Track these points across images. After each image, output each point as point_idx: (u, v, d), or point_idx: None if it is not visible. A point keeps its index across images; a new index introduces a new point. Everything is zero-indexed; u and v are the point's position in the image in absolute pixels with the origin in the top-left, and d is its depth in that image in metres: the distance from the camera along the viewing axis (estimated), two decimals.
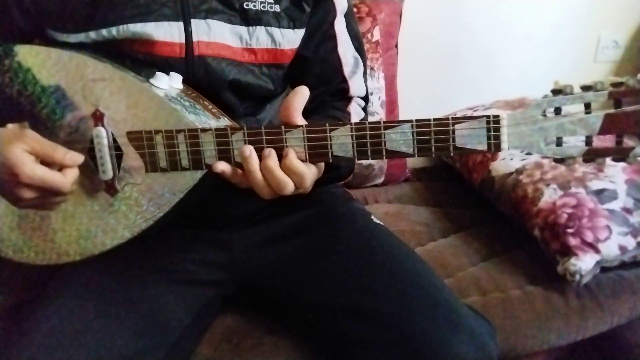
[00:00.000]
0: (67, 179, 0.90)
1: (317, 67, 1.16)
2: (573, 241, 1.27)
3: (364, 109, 1.23)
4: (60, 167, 0.90)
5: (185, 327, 1.04)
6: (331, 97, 1.19)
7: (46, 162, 0.89)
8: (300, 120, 0.87)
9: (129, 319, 0.98)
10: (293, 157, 0.86)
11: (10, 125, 0.93)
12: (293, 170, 0.86)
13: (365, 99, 1.24)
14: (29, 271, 1.18)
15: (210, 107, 0.98)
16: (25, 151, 0.87)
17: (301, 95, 0.88)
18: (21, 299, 1.19)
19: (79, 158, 0.92)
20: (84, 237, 0.99)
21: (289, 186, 0.87)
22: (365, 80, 1.23)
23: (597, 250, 1.26)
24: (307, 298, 1.06)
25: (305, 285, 1.07)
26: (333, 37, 1.16)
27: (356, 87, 1.20)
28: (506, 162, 1.54)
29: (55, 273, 1.04)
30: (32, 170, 0.86)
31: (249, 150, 0.86)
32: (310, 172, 0.88)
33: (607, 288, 1.31)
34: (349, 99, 1.20)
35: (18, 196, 0.89)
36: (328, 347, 1.07)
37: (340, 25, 1.16)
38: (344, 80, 1.19)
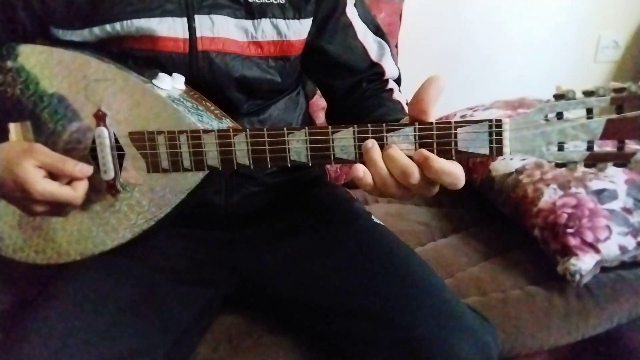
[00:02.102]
0: (77, 192, 0.91)
1: (341, 56, 1.15)
2: (573, 241, 1.27)
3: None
4: (70, 179, 0.91)
5: (185, 327, 1.04)
6: (368, 83, 1.18)
7: (55, 175, 0.90)
8: (433, 116, 0.81)
9: (129, 318, 0.97)
10: (436, 157, 0.78)
11: (14, 131, 0.95)
12: (444, 171, 0.78)
13: (398, 81, 1.23)
14: (30, 271, 1.18)
15: (212, 108, 0.98)
16: (35, 166, 0.88)
17: (436, 85, 0.78)
18: (21, 299, 1.19)
19: (88, 170, 0.93)
20: (85, 237, 0.99)
21: (415, 172, 0.78)
22: (395, 61, 1.22)
23: (597, 250, 1.26)
24: (307, 298, 1.07)
25: (305, 285, 1.07)
26: (350, 25, 1.16)
27: (390, 68, 1.19)
28: (506, 162, 1.54)
29: (55, 273, 1.04)
30: (43, 187, 0.88)
31: (371, 142, 0.81)
32: (460, 169, 0.80)
33: (607, 288, 1.31)
34: (385, 81, 1.19)
35: (31, 210, 0.92)
36: (328, 347, 1.07)
37: (353, 15, 1.16)
38: (375, 64, 1.18)
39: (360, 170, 0.81)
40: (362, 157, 0.82)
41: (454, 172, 0.79)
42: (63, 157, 0.91)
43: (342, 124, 0.83)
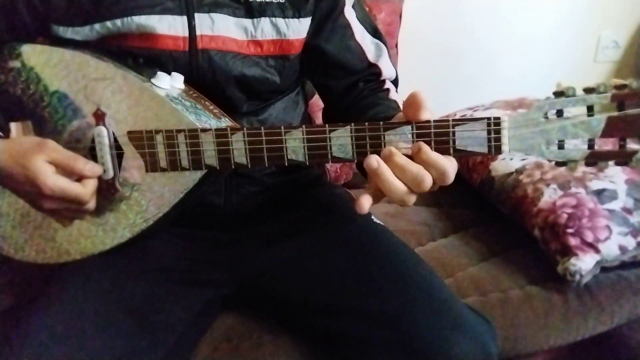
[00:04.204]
0: (86, 189, 0.91)
1: (338, 56, 1.15)
2: (573, 241, 1.26)
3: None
4: (79, 177, 0.91)
5: (185, 327, 1.04)
6: (365, 83, 1.17)
7: (65, 172, 0.90)
8: (429, 115, 0.80)
9: (129, 318, 0.98)
10: (429, 150, 0.78)
11: (15, 130, 0.96)
12: (432, 164, 0.78)
13: (395, 83, 1.22)
14: (30, 270, 1.18)
15: (211, 107, 0.98)
16: (46, 162, 0.88)
17: (419, 95, 0.79)
18: (21, 299, 1.19)
19: (98, 169, 0.93)
20: (85, 236, 0.99)
21: (426, 178, 0.78)
22: (392, 63, 1.22)
23: (597, 250, 1.26)
24: (307, 298, 1.07)
25: (305, 285, 1.07)
26: (348, 26, 1.15)
27: (387, 69, 1.19)
28: (506, 162, 1.54)
29: (55, 273, 1.04)
30: (53, 182, 0.88)
31: (376, 161, 0.79)
32: (452, 165, 0.80)
33: (607, 288, 1.31)
34: (382, 82, 1.18)
35: (40, 206, 0.92)
36: (328, 347, 1.07)
37: (351, 16, 1.16)
38: (372, 65, 1.17)
39: (374, 161, 0.79)
40: (359, 155, 0.81)
41: (441, 167, 0.78)
42: (74, 154, 0.91)
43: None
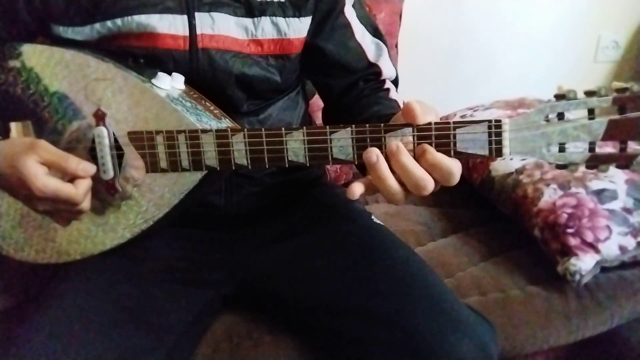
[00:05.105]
0: (79, 190, 0.90)
1: (338, 56, 1.15)
2: (573, 241, 1.27)
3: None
4: (73, 177, 0.90)
5: (185, 327, 1.04)
6: (365, 83, 1.17)
7: (58, 173, 0.89)
8: (429, 119, 0.80)
9: (129, 319, 0.98)
10: (434, 151, 0.78)
11: (15, 130, 0.96)
12: (438, 166, 0.78)
13: (395, 83, 1.22)
14: (29, 271, 1.18)
15: (212, 108, 0.98)
16: (37, 162, 0.87)
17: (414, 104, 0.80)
18: (21, 299, 1.19)
19: (91, 169, 0.92)
20: (85, 237, 0.99)
21: (429, 184, 0.78)
22: (392, 63, 1.22)
23: (597, 250, 1.26)
24: (307, 298, 1.06)
25: (305, 285, 1.07)
26: (348, 25, 1.15)
27: (387, 68, 1.19)
28: (506, 162, 1.54)
29: (55, 273, 1.04)
30: (44, 184, 0.87)
31: (376, 156, 0.79)
32: (457, 166, 0.80)
33: (607, 288, 1.31)
34: (382, 81, 1.18)
35: (35, 208, 0.92)
36: (328, 347, 1.07)
37: (351, 15, 1.15)
38: (372, 64, 1.17)
39: (374, 155, 0.79)
40: (360, 157, 0.81)
41: (447, 168, 0.78)
42: (66, 154, 0.91)
43: (338, 123, 0.83)
